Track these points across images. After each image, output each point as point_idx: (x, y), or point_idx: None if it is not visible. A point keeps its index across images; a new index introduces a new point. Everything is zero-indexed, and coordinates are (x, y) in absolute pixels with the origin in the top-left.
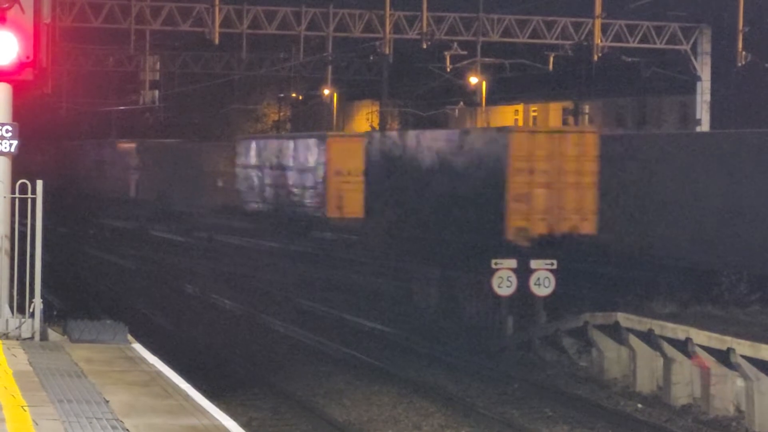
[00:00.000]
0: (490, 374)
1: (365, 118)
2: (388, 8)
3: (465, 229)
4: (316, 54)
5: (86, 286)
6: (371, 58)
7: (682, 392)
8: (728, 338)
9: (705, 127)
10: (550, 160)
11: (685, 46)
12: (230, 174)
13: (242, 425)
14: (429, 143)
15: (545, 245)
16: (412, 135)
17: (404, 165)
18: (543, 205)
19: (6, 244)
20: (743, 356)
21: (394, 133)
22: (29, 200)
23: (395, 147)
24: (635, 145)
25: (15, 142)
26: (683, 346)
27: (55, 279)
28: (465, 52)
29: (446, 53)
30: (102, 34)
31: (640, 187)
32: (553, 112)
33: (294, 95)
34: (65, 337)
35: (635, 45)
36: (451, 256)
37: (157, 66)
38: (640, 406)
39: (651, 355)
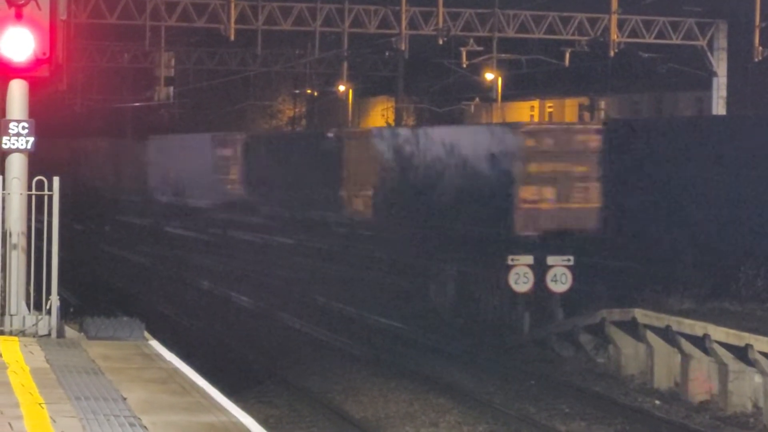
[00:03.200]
0: (506, 371)
1: (381, 114)
2: (403, 4)
3: None
4: (332, 50)
5: (103, 283)
6: (387, 54)
7: (699, 388)
8: (746, 334)
9: None
10: None
11: (702, 42)
12: None
13: (259, 422)
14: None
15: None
16: None
17: None
18: None
19: (23, 242)
20: (761, 352)
21: None
22: (46, 197)
23: None
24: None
25: (32, 139)
26: (701, 343)
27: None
28: (481, 48)
29: (462, 49)
30: (117, 30)
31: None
32: (569, 108)
33: (309, 91)
34: (82, 334)
35: (651, 41)
36: None
37: (172, 62)
38: (657, 402)
39: (668, 351)
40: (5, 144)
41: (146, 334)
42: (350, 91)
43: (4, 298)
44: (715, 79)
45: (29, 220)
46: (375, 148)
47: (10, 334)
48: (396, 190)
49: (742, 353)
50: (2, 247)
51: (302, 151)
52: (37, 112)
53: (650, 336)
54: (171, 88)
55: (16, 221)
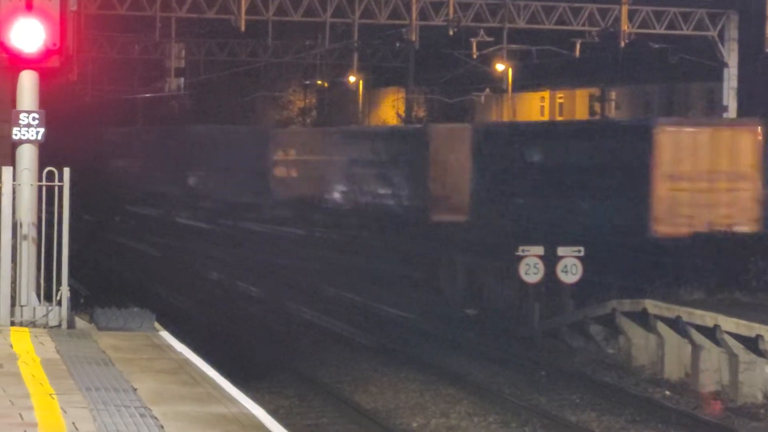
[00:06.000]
0: (517, 361)
1: (391, 105)
2: None
3: None
4: (342, 41)
5: (113, 274)
6: (397, 45)
7: (710, 379)
8: (756, 325)
9: (732, 113)
10: None
11: (712, 32)
12: None
13: (269, 413)
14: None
15: None
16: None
17: None
18: None
19: (33, 232)
20: None
21: None
22: (56, 188)
23: None
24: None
25: (42, 130)
26: (711, 333)
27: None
28: (491, 39)
29: (472, 40)
30: (127, 21)
31: None
32: (580, 98)
33: (320, 82)
34: (92, 325)
35: (662, 31)
36: None
37: (183, 53)
38: (667, 393)
39: (679, 342)
40: (16, 135)
41: (156, 324)
42: (361, 82)
43: (14, 289)
44: (726, 70)
45: (40, 210)
46: None
47: (21, 325)
48: None
49: (752, 344)
50: (13, 238)
51: None
52: (47, 102)
53: (661, 327)
54: (181, 79)
55: (27, 212)
